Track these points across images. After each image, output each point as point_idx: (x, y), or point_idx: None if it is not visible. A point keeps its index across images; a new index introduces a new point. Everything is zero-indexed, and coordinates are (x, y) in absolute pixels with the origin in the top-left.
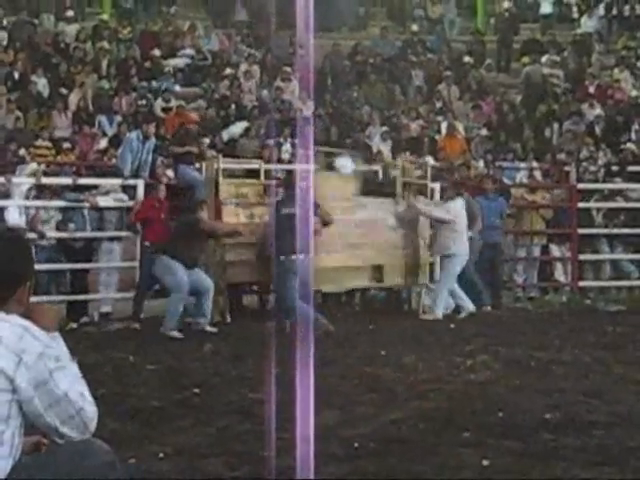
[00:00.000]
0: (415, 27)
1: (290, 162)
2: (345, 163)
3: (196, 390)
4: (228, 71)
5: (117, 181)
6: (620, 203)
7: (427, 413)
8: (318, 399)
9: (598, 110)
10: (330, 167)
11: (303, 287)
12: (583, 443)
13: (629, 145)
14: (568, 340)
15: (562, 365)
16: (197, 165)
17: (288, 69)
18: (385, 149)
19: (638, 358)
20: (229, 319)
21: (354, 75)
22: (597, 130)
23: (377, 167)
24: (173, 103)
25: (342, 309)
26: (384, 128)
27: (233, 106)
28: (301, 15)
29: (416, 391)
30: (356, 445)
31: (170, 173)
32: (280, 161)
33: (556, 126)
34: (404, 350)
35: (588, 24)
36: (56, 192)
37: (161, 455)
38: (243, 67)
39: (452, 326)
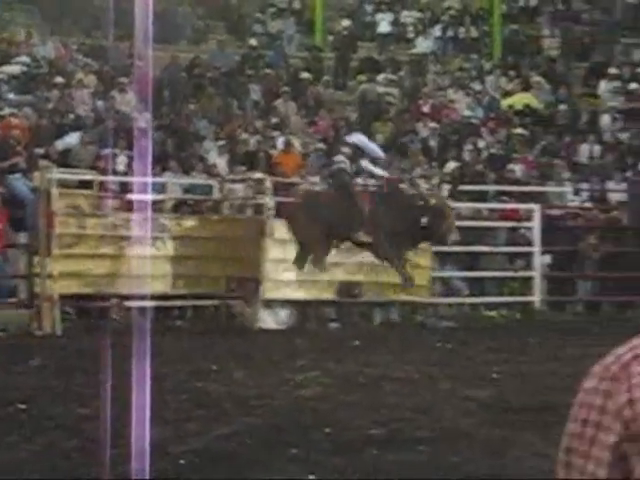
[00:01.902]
0: (254, 42)
1: (125, 174)
2: None
3: (22, 405)
4: (63, 80)
5: None
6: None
7: (255, 429)
8: (140, 414)
9: (432, 127)
10: None
11: None
12: (407, 459)
13: (452, 163)
14: (398, 356)
15: (391, 381)
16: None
17: (125, 80)
18: (221, 163)
19: (465, 374)
20: (60, 332)
21: (192, 88)
22: (432, 148)
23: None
24: (6, 111)
25: (174, 323)
26: (221, 142)
27: (69, 116)
28: (140, 26)
29: (245, 407)
30: (183, 461)
31: None
32: (115, 172)
33: (391, 144)
34: (235, 365)
35: (424, 44)
36: None
37: None
38: (79, 76)
39: (284, 341)
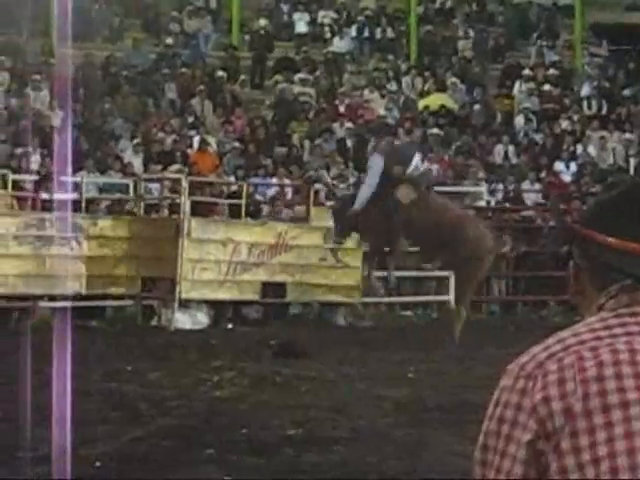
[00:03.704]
0: (170, 40)
1: (39, 172)
2: None
3: None
4: None
5: None
6: None
7: (171, 430)
8: (58, 416)
9: (348, 127)
10: None
11: None
12: (324, 459)
13: None
14: (314, 356)
15: (307, 381)
16: None
17: (39, 77)
18: (137, 162)
19: (381, 374)
20: None
21: (107, 86)
22: (348, 148)
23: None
24: None
25: (89, 323)
26: (136, 141)
27: None
28: (58, 24)
29: (161, 408)
30: (98, 464)
31: None
32: (29, 171)
33: (307, 144)
34: (151, 366)
35: (340, 45)
36: None
37: None
38: None
39: (201, 342)
